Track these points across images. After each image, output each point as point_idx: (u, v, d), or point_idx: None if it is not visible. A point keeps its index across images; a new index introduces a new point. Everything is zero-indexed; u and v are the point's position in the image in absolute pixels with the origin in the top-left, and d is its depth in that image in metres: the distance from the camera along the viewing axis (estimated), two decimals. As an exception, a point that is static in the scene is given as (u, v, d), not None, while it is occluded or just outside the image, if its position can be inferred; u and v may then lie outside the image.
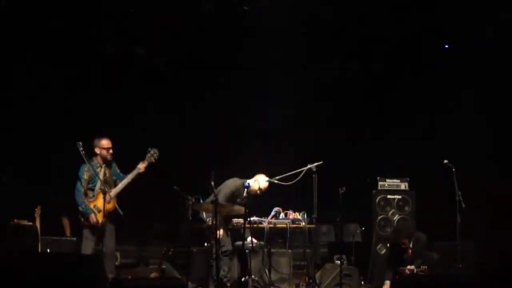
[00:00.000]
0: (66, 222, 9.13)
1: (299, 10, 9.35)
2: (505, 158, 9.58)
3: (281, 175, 8.49)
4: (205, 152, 9.86)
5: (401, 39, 10.03)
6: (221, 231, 8.18)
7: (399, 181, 9.77)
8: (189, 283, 7.89)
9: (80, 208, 7.87)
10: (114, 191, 7.94)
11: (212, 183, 7.66)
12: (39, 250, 8.21)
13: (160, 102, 10.06)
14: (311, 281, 8.61)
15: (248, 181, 8.36)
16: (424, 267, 8.28)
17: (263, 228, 8.73)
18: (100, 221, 7.79)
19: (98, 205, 7.84)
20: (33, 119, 9.33)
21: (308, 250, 8.84)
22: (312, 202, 8.24)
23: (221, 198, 8.02)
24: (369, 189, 9.76)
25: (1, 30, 8.93)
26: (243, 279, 8.22)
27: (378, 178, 9.75)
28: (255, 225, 8.59)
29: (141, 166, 7.99)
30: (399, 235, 8.77)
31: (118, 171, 8.15)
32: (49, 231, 8.85)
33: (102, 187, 7.84)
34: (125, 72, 9.88)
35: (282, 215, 8.94)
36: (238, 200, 8.33)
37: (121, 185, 7.97)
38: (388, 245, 9.36)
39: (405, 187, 9.77)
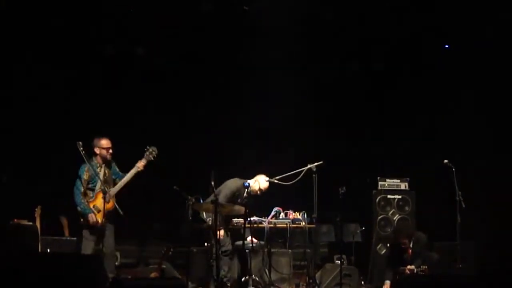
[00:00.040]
0: (64, 222, 9.12)
1: (299, 10, 9.35)
2: (505, 158, 9.57)
3: (281, 175, 8.48)
4: (205, 152, 9.86)
5: (401, 39, 10.03)
6: (222, 231, 8.19)
7: (399, 181, 9.77)
8: (189, 283, 7.89)
9: (79, 208, 7.85)
10: (113, 190, 7.93)
11: (212, 183, 7.66)
12: (39, 250, 8.21)
13: (160, 102, 10.06)
14: (311, 281, 8.61)
15: (248, 181, 8.36)
16: (424, 267, 8.28)
17: (263, 228, 8.73)
18: (100, 221, 7.79)
19: (97, 205, 7.83)
20: (33, 119, 9.33)
21: (308, 250, 8.84)
22: (312, 202, 8.24)
23: (221, 199, 8.02)
24: (369, 189, 9.76)
25: (1, 30, 8.93)
26: (243, 279, 8.22)
27: (378, 178, 9.75)
28: (255, 225, 8.59)
29: (140, 165, 7.97)
30: (399, 235, 8.77)
31: (117, 170, 8.14)
32: (49, 231, 8.85)
33: (103, 187, 7.84)
34: (125, 72, 9.87)
35: (282, 215, 8.94)
36: (239, 200, 8.33)
37: (120, 184, 7.96)
38: (388, 245, 9.36)
39: (405, 187, 9.76)
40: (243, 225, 8.20)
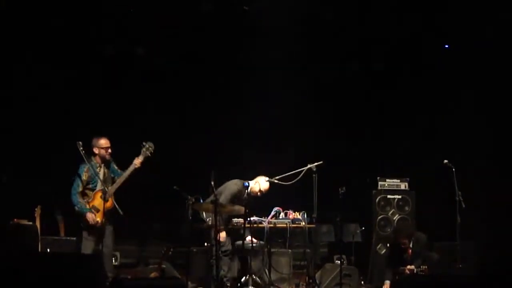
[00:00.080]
0: (60, 220, 9.11)
1: (299, 10, 9.35)
2: (505, 158, 9.58)
3: (281, 175, 8.49)
4: (205, 152, 9.86)
5: (401, 39, 10.03)
6: (223, 233, 8.19)
7: (399, 181, 9.76)
8: (189, 283, 7.90)
9: (76, 208, 7.83)
10: (112, 188, 7.92)
11: (212, 183, 7.66)
12: (39, 250, 8.21)
13: (160, 102, 10.06)
14: (311, 281, 8.61)
15: (248, 182, 8.36)
16: (424, 267, 8.28)
17: (263, 228, 8.74)
18: (99, 221, 7.78)
19: (96, 205, 7.82)
20: (33, 119, 9.33)
21: (308, 250, 8.84)
22: (312, 202, 8.24)
23: (222, 200, 8.03)
24: (369, 189, 9.76)
25: (1, 30, 8.93)
26: (243, 279, 8.22)
27: (378, 178, 9.75)
28: (255, 225, 8.59)
29: (137, 162, 7.94)
30: (399, 235, 8.77)
31: (116, 168, 8.11)
32: (49, 231, 8.85)
33: (103, 187, 7.84)
34: (125, 72, 9.88)
35: (282, 215, 8.94)
36: (240, 200, 8.33)
37: (118, 182, 7.94)
38: (388, 245, 9.36)
39: (405, 187, 9.76)
40: (243, 225, 8.20)
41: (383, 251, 9.53)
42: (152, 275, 8.25)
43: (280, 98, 9.91)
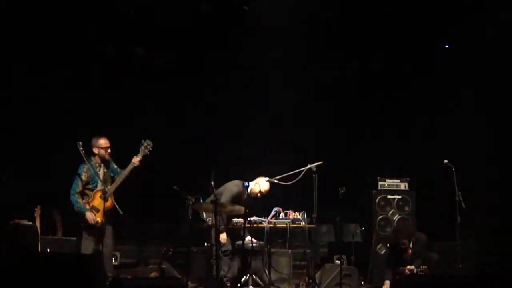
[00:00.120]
0: (57, 218, 9.10)
1: (299, 10, 9.35)
2: (505, 158, 9.57)
3: (281, 175, 8.49)
4: (205, 152, 9.86)
5: (401, 39, 10.03)
6: (224, 234, 8.19)
7: (399, 181, 9.76)
8: (189, 283, 7.89)
9: (76, 208, 7.84)
10: (111, 188, 7.91)
11: (212, 183, 7.66)
12: (39, 250, 8.21)
13: (160, 102, 10.06)
14: (311, 281, 8.61)
15: (249, 182, 8.36)
16: (424, 267, 8.28)
17: (263, 228, 8.73)
18: (100, 221, 7.78)
19: (96, 205, 7.82)
20: (33, 119, 9.33)
21: (308, 250, 8.84)
22: (312, 202, 8.24)
23: (223, 201, 8.03)
24: (369, 189, 9.75)
25: (1, 30, 8.93)
26: (243, 279, 8.22)
27: (378, 178, 9.74)
28: (255, 225, 8.59)
29: (136, 160, 7.93)
30: (399, 235, 8.77)
31: (116, 167, 8.10)
32: (49, 231, 8.85)
33: (103, 187, 7.83)
34: (125, 72, 9.87)
35: (282, 215, 8.94)
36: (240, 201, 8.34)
37: (117, 181, 7.94)
38: (388, 245, 9.35)
39: (405, 187, 9.76)
40: (243, 225, 8.20)
41: (383, 251, 9.53)
42: (152, 275, 8.26)
43: (280, 98, 9.91)
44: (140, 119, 9.82)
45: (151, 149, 7.95)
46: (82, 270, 5.90)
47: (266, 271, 8.48)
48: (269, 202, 8.93)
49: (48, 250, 8.43)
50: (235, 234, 8.62)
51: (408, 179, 9.77)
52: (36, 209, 8.58)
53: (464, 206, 8.39)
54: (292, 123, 10.19)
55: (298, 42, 9.72)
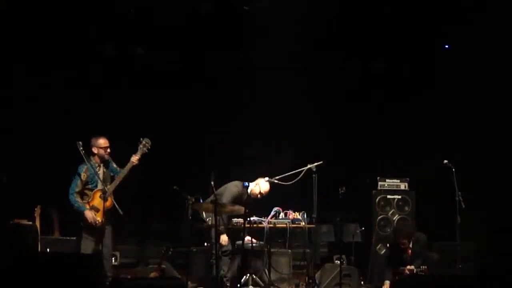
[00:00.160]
0: (54, 217, 9.10)
1: (299, 10, 9.35)
2: (505, 158, 9.57)
3: (281, 175, 8.49)
4: (205, 152, 9.86)
5: (401, 39, 10.03)
6: (225, 236, 8.19)
7: (399, 181, 9.76)
8: (189, 283, 7.89)
9: (75, 207, 7.83)
10: (111, 187, 7.90)
11: (212, 183, 7.66)
12: (39, 250, 8.21)
13: (160, 102, 10.06)
14: (311, 281, 8.61)
15: (249, 183, 8.37)
16: (424, 267, 8.28)
17: (263, 228, 8.73)
18: (99, 220, 7.77)
19: (96, 204, 7.81)
20: (33, 119, 9.33)
21: (308, 250, 8.83)
22: (312, 202, 8.24)
23: (224, 202, 8.04)
24: (369, 189, 9.75)
25: (1, 30, 8.93)
26: (243, 279, 8.22)
27: (378, 178, 9.74)
28: (255, 225, 8.59)
29: (134, 159, 7.91)
30: (399, 235, 8.76)
31: (115, 166, 8.08)
32: (49, 231, 8.85)
33: (102, 187, 7.83)
34: (125, 72, 9.88)
35: (282, 215, 8.93)
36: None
37: (117, 180, 7.93)
38: (388, 245, 9.35)
39: (405, 187, 9.76)
40: (243, 225, 8.20)
41: (383, 251, 9.53)
42: (152, 275, 8.25)
43: (280, 98, 9.91)
44: (140, 119, 9.81)
45: (149, 147, 7.93)
46: (82, 270, 5.90)
47: (266, 271, 8.48)
48: (269, 202, 8.92)
49: (48, 250, 8.43)
50: (235, 234, 8.62)
51: (408, 179, 9.77)
52: (36, 209, 8.59)
53: (464, 206, 8.40)
54: (292, 123, 10.20)
55: (298, 42, 9.72)
